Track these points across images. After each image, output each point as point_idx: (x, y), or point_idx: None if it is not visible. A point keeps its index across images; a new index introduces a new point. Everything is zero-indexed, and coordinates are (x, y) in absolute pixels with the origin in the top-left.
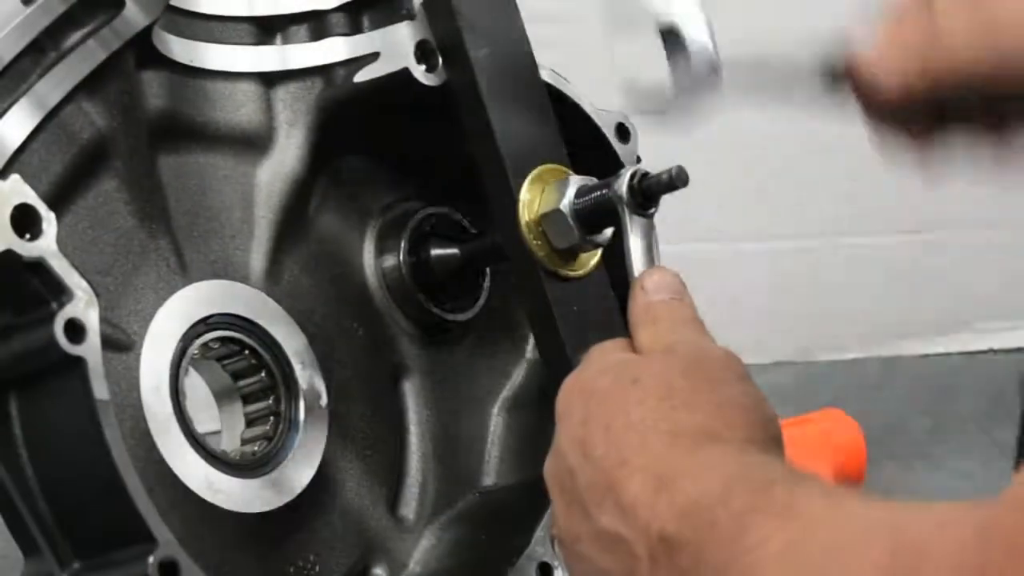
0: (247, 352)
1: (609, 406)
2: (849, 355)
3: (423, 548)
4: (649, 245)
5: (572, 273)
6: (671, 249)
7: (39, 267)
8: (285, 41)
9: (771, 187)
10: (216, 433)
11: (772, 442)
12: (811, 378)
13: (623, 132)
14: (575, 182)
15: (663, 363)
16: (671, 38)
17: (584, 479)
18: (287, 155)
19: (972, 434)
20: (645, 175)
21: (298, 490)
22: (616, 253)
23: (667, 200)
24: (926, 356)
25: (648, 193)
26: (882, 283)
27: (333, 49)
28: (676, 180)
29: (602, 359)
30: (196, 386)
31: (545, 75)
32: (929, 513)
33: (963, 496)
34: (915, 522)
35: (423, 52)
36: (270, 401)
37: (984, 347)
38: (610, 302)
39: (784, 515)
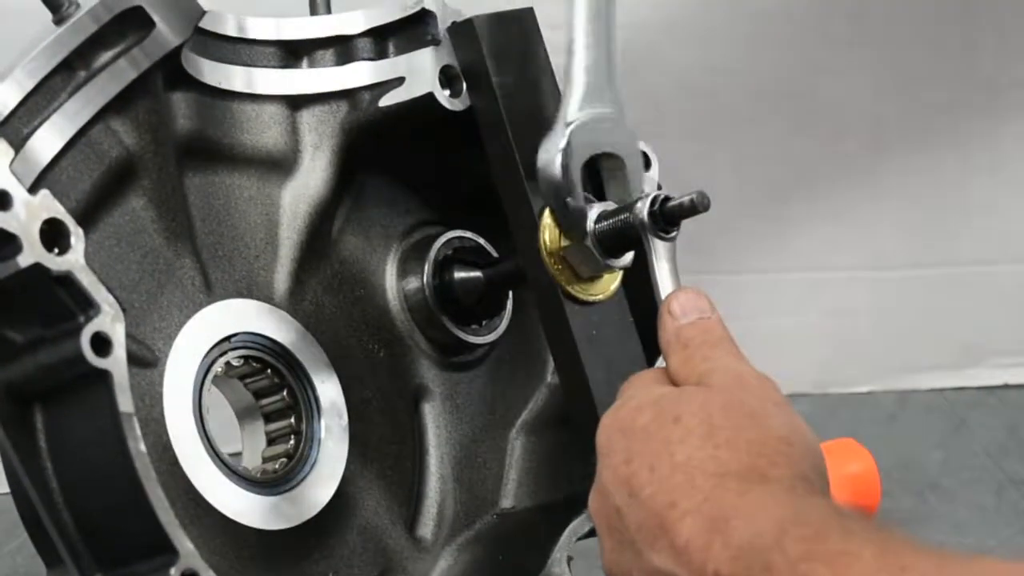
0: (269, 371)
1: (652, 445)
2: (864, 388)
3: (440, 568)
4: (674, 268)
5: (592, 297)
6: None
7: (67, 281)
8: (311, 65)
9: (785, 217)
10: (238, 454)
11: (817, 475)
12: (826, 409)
13: (644, 159)
14: (596, 207)
15: (702, 398)
16: None
17: (634, 519)
18: (312, 177)
19: (986, 468)
20: (667, 199)
21: (317, 508)
22: (636, 277)
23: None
24: (941, 390)
25: (670, 217)
26: (897, 317)
27: (358, 73)
28: (698, 205)
29: (640, 394)
30: (219, 405)
31: None
32: (981, 569)
33: (974, 529)
34: None
35: (447, 77)
36: (291, 420)
37: (999, 382)
38: (629, 326)
39: (838, 563)
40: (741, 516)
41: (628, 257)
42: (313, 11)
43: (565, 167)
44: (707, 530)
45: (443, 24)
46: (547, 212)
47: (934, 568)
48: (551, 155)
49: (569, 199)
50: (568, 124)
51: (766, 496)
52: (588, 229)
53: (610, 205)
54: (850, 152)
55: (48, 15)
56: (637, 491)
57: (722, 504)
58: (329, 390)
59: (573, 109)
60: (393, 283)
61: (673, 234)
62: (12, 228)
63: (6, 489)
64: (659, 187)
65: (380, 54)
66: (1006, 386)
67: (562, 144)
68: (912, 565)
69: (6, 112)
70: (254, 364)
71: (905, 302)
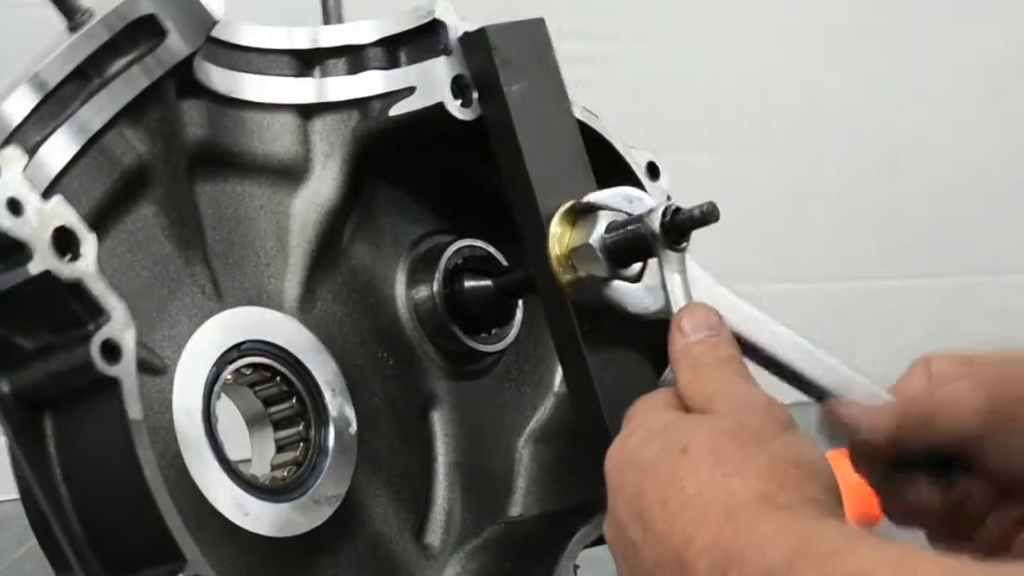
0: (279, 379)
1: (662, 480)
2: None
3: None
4: (685, 278)
5: None
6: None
7: (78, 288)
8: (323, 74)
9: (795, 230)
10: (247, 461)
11: (827, 494)
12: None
13: (653, 170)
14: (605, 217)
15: (708, 427)
16: None
17: (651, 555)
18: (322, 186)
19: None
20: (677, 210)
21: (326, 515)
22: None
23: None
24: None
25: (680, 229)
26: (905, 326)
27: (370, 83)
28: (708, 216)
29: (647, 423)
30: (228, 413)
31: (577, 112)
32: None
33: None
34: None
35: (458, 87)
36: (300, 428)
37: None
38: (636, 336)
39: None
40: (753, 548)
41: (636, 267)
42: (325, 20)
43: None
44: (723, 567)
45: (454, 34)
46: (555, 220)
47: None
48: None
49: None
50: None
51: (778, 525)
52: (596, 239)
53: (619, 215)
54: (857, 164)
55: (61, 23)
56: (651, 526)
57: (734, 537)
58: (338, 398)
59: None
60: (403, 292)
61: (684, 245)
62: (24, 235)
63: (16, 495)
64: (668, 197)
65: (392, 63)
66: None
67: None
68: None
69: (19, 119)
70: (263, 372)
71: (914, 311)
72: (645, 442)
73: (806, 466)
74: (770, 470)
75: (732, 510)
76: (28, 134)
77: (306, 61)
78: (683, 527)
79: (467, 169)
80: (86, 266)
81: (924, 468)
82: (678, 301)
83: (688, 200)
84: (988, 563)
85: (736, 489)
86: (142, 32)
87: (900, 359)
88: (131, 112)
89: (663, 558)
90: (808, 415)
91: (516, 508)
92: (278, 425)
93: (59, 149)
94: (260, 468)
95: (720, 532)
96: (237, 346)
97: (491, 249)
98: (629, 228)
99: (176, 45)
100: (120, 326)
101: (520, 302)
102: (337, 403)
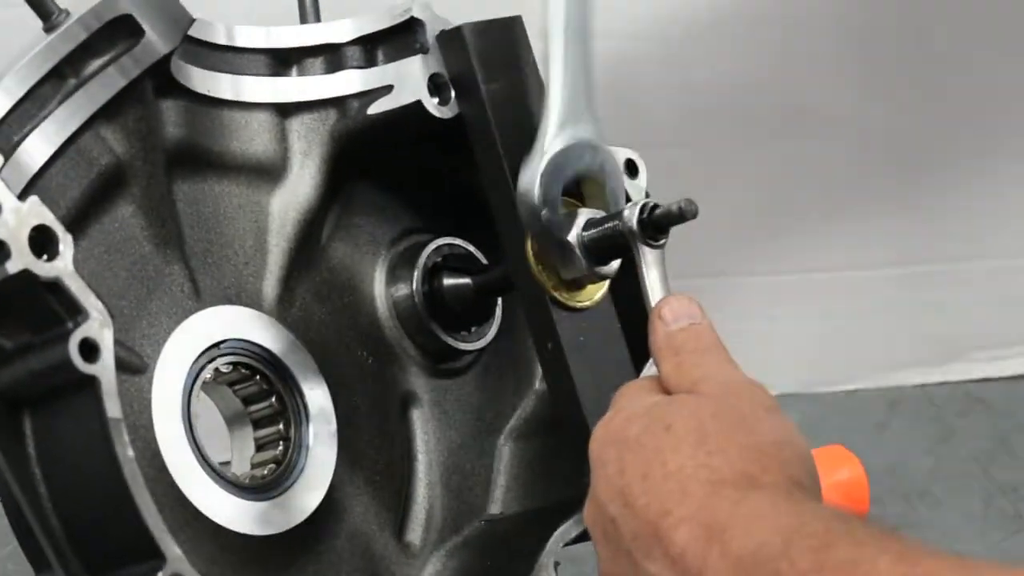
0: (258, 377)
1: (645, 455)
2: (850, 387)
3: (428, 574)
4: (663, 275)
5: (579, 304)
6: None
7: (55, 287)
8: (301, 73)
9: (769, 222)
10: (227, 463)
11: (809, 479)
12: (815, 411)
13: (632, 167)
14: (584, 214)
15: (693, 406)
16: None
17: (628, 529)
18: (300, 185)
19: (974, 475)
20: (655, 207)
21: (306, 514)
22: (623, 284)
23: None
24: (924, 386)
25: (658, 225)
26: (879, 314)
27: (348, 81)
28: (686, 212)
29: (631, 404)
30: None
31: None
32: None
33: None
34: None
35: (436, 85)
36: (280, 426)
37: (981, 376)
38: (616, 332)
39: (853, 574)
40: (738, 525)
41: (615, 264)
42: (303, 19)
43: (544, 194)
44: (703, 539)
45: (432, 32)
46: None
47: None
48: (530, 182)
49: (549, 223)
50: (546, 152)
51: (763, 503)
52: (574, 236)
53: (598, 212)
54: (835, 156)
55: (39, 23)
56: (631, 501)
57: (716, 513)
58: (317, 396)
59: (551, 136)
60: (382, 290)
61: (662, 241)
62: (1, 235)
63: None
64: (647, 194)
65: (369, 62)
66: (987, 379)
67: (540, 170)
68: (933, 572)
69: None
70: (243, 370)
71: (886, 300)
72: (629, 421)
73: (789, 450)
74: (754, 450)
75: (715, 485)
76: (5, 134)
77: (283, 60)
78: (662, 499)
79: (446, 167)
80: (64, 265)
81: None
82: (656, 295)
83: (666, 197)
84: (997, 564)
85: (719, 466)
86: (119, 32)
87: (880, 347)
88: (108, 112)
89: (640, 531)
90: (788, 407)
91: (497, 506)
92: (258, 424)
93: (36, 149)
94: (240, 467)
95: (702, 506)
96: (216, 345)
97: (470, 247)
98: (607, 225)
99: (153, 45)
100: (98, 325)
101: (499, 300)
102: (316, 401)
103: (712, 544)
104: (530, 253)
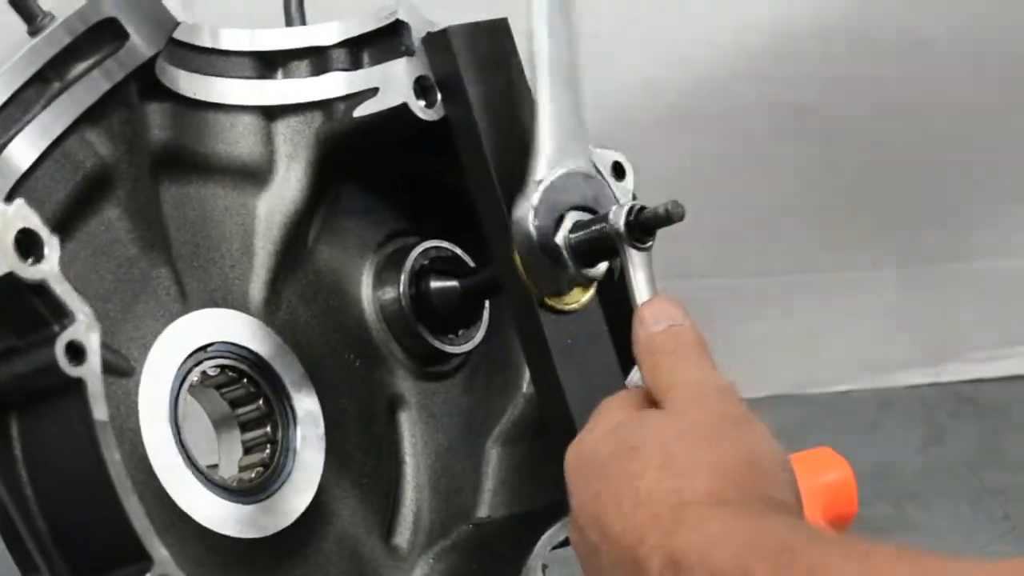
0: (245, 380)
1: (614, 481)
2: (842, 387)
3: None
4: (650, 276)
5: (566, 306)
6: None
7: (41, 290)
8: (286, 76)
9: (761, 223)
10: (215, 466)
11: (783, 492)
12: (807, 411)
13: (619, 170)
14: (571, 216)
15: (657, 425)
16: None
17: (608, 559)
18: (287, 187)
19: (963, 477)
20: (642, 209)
21: (293, 517)
22: (610, 287)
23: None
24: (915, 387)
25: (646, 227)
26: (870, 315)
27: (333, 84)
28: (673, 214)
29: (602, 422)
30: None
31: None
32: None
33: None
34: None
35: (422, 88)
36: (267, 429)
37: (971, 377)
38: (604, 335)
39: None
40: (698, 551)
41: (602, 267)
42: (288, 22)
43: (538, 225)
44: (672, 568)
45: (417, 34)
46: None
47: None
48: (524, 213)
49: (542, 254)
50: (539, 182)
51: (726, 524)
52: (562, 239)
53: (584, 215)
54: (831, 157)
55: (23, 27)
56: (607, 530)
57: (681, 539)
58: (305, 399)
59: (543, 168)
60: (369, 293)
61: (649, 244)
62: None
63: None
64: (634, 197)
65: (355, 65)
66: (979, 380)
67: (534, 202)
68: (886, 569)
69: None
70: (230, 373)
71: (878, 302)
72: (598, 443)
73: (757, 464)
74: (719, 469)
75: (680, 511)
76: None
77: (269, 63)
78: (635, 527)
79: (432, 170)
80: (49, 268)
81: None
82: (642, 298)
83: (652, 199)
84: (957, 558)
85: (684, 489)
86: (103, 35)
87: (872, 348)
88: (93, 115)
89: (620, 559)
90: (779, 408)
91: (485, 509)
92: (245, 427)
93: (21, 153)
94: (227, 470)
95: (669, 532)
96: (203, 348)
97: (457, 250)
98: (594, 227)
99: (137, 48)
100: (84, 327)
101: (487, 303)
102: (304, 404)
103: (680, 572)
104: (517, 256)
